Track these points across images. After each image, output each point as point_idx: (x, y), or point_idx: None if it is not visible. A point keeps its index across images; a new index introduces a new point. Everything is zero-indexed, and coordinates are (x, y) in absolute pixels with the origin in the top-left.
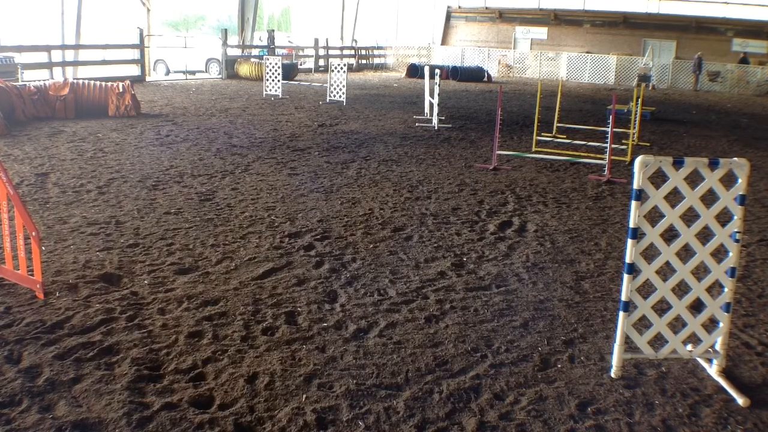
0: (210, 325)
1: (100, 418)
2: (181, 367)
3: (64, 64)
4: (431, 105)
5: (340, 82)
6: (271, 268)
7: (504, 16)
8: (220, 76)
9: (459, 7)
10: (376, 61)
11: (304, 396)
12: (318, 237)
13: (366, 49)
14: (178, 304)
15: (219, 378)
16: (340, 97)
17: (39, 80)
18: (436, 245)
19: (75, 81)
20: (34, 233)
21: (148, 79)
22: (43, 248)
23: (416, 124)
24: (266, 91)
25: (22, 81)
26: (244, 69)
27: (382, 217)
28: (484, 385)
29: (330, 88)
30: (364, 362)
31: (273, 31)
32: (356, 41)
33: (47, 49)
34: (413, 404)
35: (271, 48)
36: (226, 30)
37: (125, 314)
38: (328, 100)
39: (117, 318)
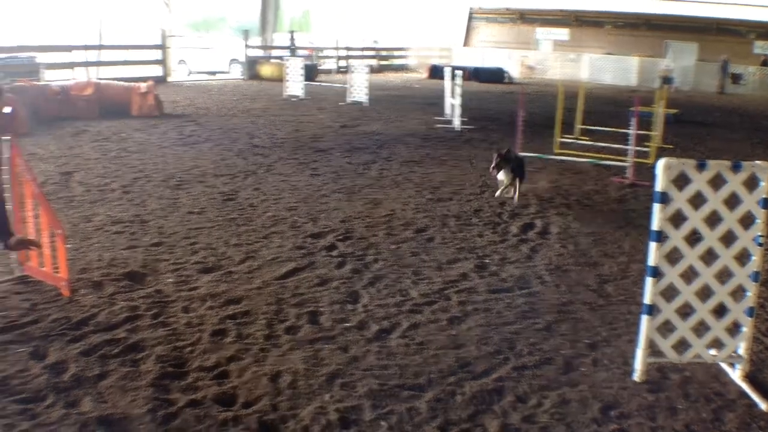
0: (233, 323)
1: (125, 414)
2: (205, 365)
3: (87, 64)
4: (452, 106)
5: (362, 83)
6: (294, 268)
7: (525, 18)
8: (242, 76)
9: (480, 8)
10: (398, 62)
11: (327, 395)
12: (340, 237)
13: (387, 49)
14: (202, 303)
15: (242, 376)
16: (361, 97)
17: (62, 80)
18: (458, 247)
19: (98, 81)
20: (59, 231)
21: (170, 79)
22: (68, 246)
23: (438, 125)
24: (287, 91)
25: (44, 81)
26: (265, 70)
27: (404, 218)
28: (507, 388)
29: (351, 89)
30: (386, 363)
31: (294, 32)
32: (377, 42)
33: (69, 49)
34: (436, 405)
35: (292, 49)
36: (247, 31)
37: (150, 312)
38: (349, 101)
39: (142, 315)
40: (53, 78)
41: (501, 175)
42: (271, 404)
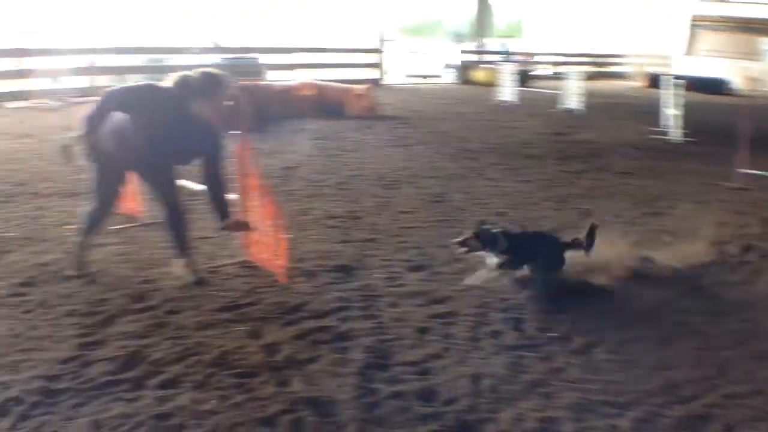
0: (438, 322)
1: (331, 398)
2: (408, 360)
3: (307, 66)
4: (670, 116)
5: (575, 90)
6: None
7: (750, 27)
8: (455, 80)
9: (702, 16)
10: (614, 69)
11: (527, 403)
12: None
13: (603, 56)
14: (408, 299)
15: (444, 374)
16: (575, 105)
17: (284, 80)
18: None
19: (318, 82)
20: (279, 222)
21: (385, 82)
22: (287, 236)
23: (654, 136)
24: (500, 96)
25: (267, 81)
26: (478, 74)
27: (615, 231)
28: (715, 415)
29: (564, 96)
30: (590, 377)
31: (508, 37)
32: (593, 48)
33: (291, 51)
34: (639, 425)
35: (505, 54)
36: (461, 36)
37: (358, 304)
38: (562, 108)
39: (351, 307)
40: (275, 78)
41: (489, 259)
42: (471, 405)
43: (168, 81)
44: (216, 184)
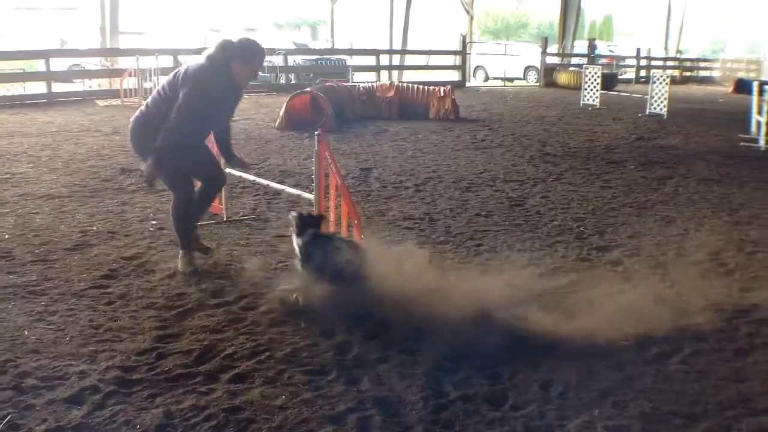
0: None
1: (399, 398)
2: (478, 363)
3: (390, 67)
4: (759, 123)
5: (662, 95)
6: (576, 280)
7: None
8: (538, 83)
9: None
10: (701, 74)
11: (597, 411)
12: (627, 253)
13: (691, 60)
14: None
15: (514, 379)
16: (660, 110)
17: (367, 82)
18: (753, 275)
19: (400, 84)
20: (356, 221)
21: (467, 84)
22: (362, 236)
23: (741, 144)
24: (584, 100)
25: (352, 82)
26: (562, 77)
27: (697, 239)
28: None
29: (650, 101)
30: (662, 387)
31: (594, 39)
32: (681, 52)
33: (376, 53)
34: None
35: (590, 57)
36: (546, 38)
37: (431, 307)
38: (647, 113)
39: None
40: (361, 80)
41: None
42: (539, 411)
43: (208, 50)
44: (226, 132)
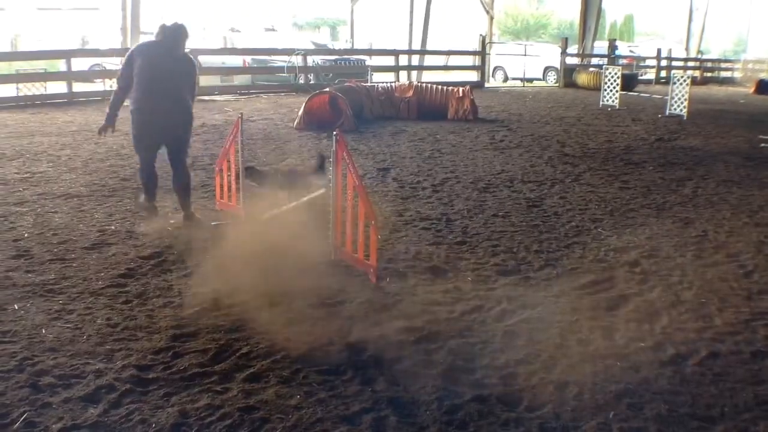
0: (526, 328)
1: (413, 399)
2: (494, 364)
3: (409, 68)
4: None
5: (682, 96)
6: (592, 281)
7: None
8: (557, 84)
9: None
10: (723, 74)
11: (612, 413)
12: (645, 255)
13: (712, 61)
14: (497, 304)
15: (529, 380)
16: (680, 110)
17: (386, 82)
18: None
19: (419, 84)
20: (373, 222)
21: (486, 85)
22: (379, 237)
23: (762, 145)
24: (603, 101)
25: (371, 82)
26: (582, 78)
27: (715, 241)
28: None
29: (670, 101)
30: (679, 389)
31: (615, 40)
32: (702, 53)
33: (395, 53)
34: None
35: (611, 57)
36: (566, 39)
37: (447, 307)
38: (667, 114)
39: (439, 309)
40: (380, 80)
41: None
42: (555, 412)
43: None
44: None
